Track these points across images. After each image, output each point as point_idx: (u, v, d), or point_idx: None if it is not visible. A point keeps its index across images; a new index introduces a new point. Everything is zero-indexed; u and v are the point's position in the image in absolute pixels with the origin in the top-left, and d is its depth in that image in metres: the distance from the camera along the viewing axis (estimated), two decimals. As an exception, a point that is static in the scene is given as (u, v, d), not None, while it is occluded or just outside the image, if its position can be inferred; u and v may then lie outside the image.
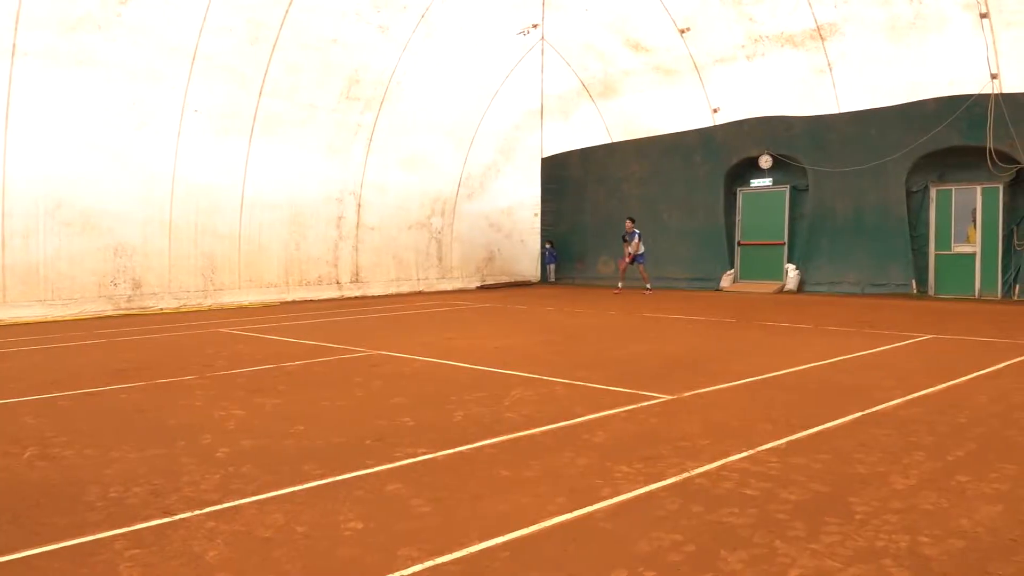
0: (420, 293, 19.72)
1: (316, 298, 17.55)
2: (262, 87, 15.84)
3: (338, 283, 18.35)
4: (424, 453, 4.49)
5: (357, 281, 18.73)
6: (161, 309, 14.90)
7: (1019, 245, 15.18)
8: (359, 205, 18.64)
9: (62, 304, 13.78)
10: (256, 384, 6.86)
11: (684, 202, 20.10)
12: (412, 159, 19.57)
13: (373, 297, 18.47)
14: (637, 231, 18.27)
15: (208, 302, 15.71)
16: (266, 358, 8.46)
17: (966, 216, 16.04)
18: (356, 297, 18.29)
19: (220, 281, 16.04)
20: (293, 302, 16.88)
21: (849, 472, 4.05)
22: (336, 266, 18.32)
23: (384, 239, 19.34)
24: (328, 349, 9.15)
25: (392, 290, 19.42)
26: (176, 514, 3.57)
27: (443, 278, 20.89)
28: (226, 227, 16.08)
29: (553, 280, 22.80)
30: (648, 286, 18.26)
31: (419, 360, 8.20)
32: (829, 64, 17.03)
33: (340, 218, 18.30)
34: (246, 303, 16.17)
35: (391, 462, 4.33)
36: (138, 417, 5.64)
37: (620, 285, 18.56)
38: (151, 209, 14.89)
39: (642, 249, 18.26)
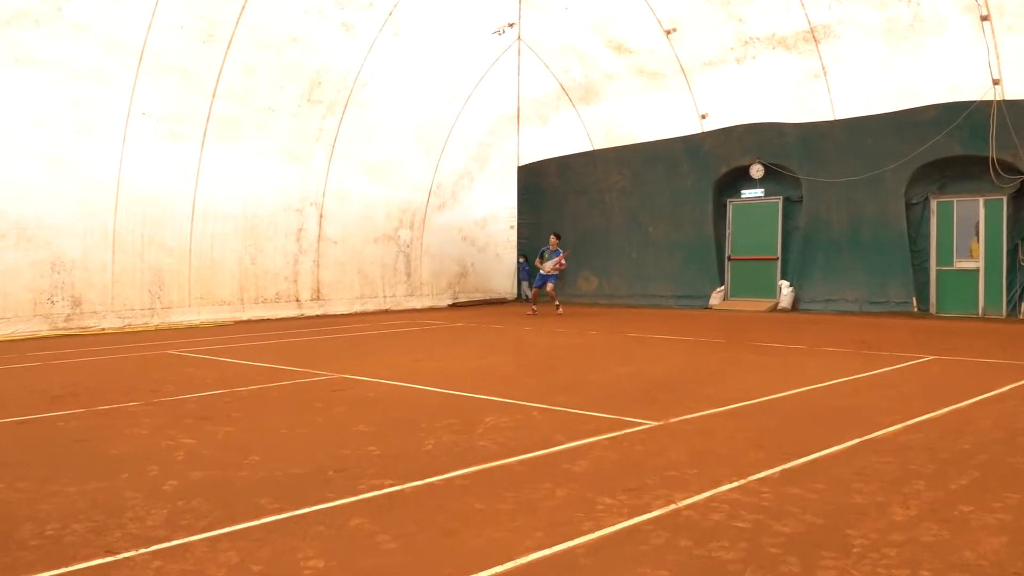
0: (387, 311, 19.65)
1: (273, 317, 17.44)
2: (215, 89, 15.79)
3: (298, 300, 18.26)
4: (391, 485, 4.48)
5: (318, 298, 18.65)
6: (103, 329, 14.72)
7: (1024, 260, 15.47)
8: (321, 216, 18.59)
9: (-7, 324, 13.59)
10: (207, 410, 6.80)
11: (670, 214, 20.26)
12: (378, 167, 19.58)
13: (336, 316, 18.39)
14: (561, 250, 17.73)
15: (155, 321, 15.55)
16: (218, 382, 8.39)
17: (968, 230, 16.31)
18: (317, 316, 18.20)
19: (168, 298, 15.89)
20: (248, 321, 16.76)
21: (846, 502, 4.09)
22: (295, 282, 18.23)
23: (348, 253, 19.29)
24: (286, 372, 9.09)
25: (356, 308, 19.36)
26: (119, 553, 3.52)
27: (412, 295, 20.84)
28: (175, 240, 15.96)
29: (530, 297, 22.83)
30: (536, 308, 17.99)
31: (385, 384, 8.17)
32: (823, 68, 17.30)
33: (300, 230, 18.23)
34: (196, 322, 16.03)
35: (355, 495, 4.31)
36: (77, 447, 5.57)
37: (535, 308, 18.11)
38: (93, 220, 14.74)
39: (557, 271, 17.71)
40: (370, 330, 14.84)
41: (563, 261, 17.62)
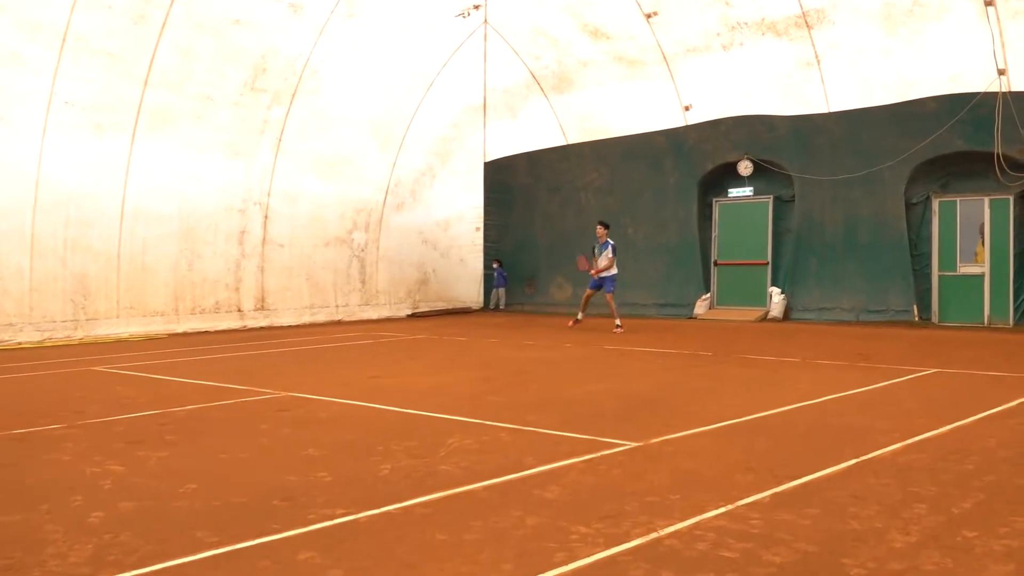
0: (339, 323, 19.56)
1: (213, 329, 17.29)
2: (148, 75, 15.65)
3: (240, 311, 18.12)
4: (343, 514, 4.46)
5: (263, 308, 18.52)
6: (20, 343, 14.50)
7: (1032, 265, 15.74)
8: (266, 217, 18.47)
9: None
10: (138, 434, 6.73)
11: (651, 215, 20.38)
12: (330, 162, 19.51)
13: (282, 327, 18.27)
14: (611, 241, 16.30)
15: (79, 335, 15.34)
16: (151, 402, 8.30)
17: (973, 232, 16.57)
18: (262, 327, 18.08)
19: (94, 309, 15.69)
20: (184, 334, 16.59)
21: (842, 529, 4.14)
22: (237, 290, 18.09)
23: (296, 258, 19.18)
24: (227, 391, 9.03)
25: (305, 319, 19.25)
26: (38, 593, 3.48)
27: (367, 304, 20.77)
28: (102, 243, 15.77)
29: (502, 307, 22.83)
30: (618, 322, 15.78)
31: (338, 403, 8.15)
32: (817, 56, 17.52)
33: (243, 232, 18.11)
34: (126, 336, 15.84)
35: (303, 526, 4.29)
36: (-10, 475, 5.49)
37: (580, 316, 16.62)
38: (8, 220, 14.49)
39: (614, 270, 16.16)
40: (321, 343, 14.76)
41: (610, 254, 16.02)
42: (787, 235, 18.80)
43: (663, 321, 18.78)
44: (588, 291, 16.56)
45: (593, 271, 16.32)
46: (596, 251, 16.35)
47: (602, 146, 21.29)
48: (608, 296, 16.14)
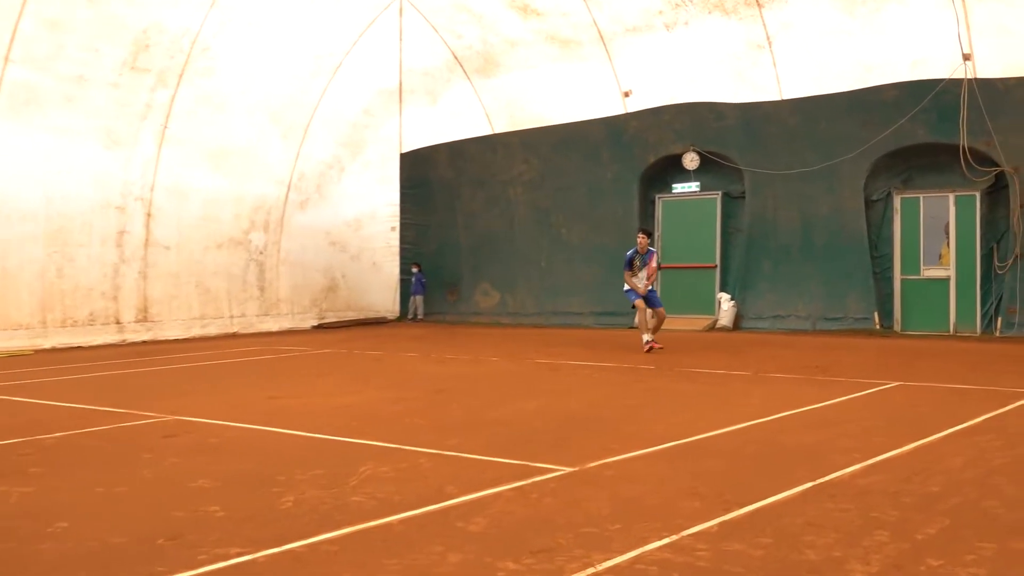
0: (234, 335, 19.34)
1: (87, 344, 16.99)
2: (8, 50, 15.32)
3: (118, 323, 17.81)
4: (240, 554, 4.41)
5: (146, 320, 18.24)
6: None
7: (1000, 268, 16.21)
8: (149, 215, 18.19)
9: None
10: (-2, 466, 6.57)
11: (587, 213, 20.52)
12: (224, 153, 19.29)
13: (169, 341, 18.02)
14: (653, 248, 15.27)
15: (-73, 351, 14.98)
16: (11, 429, 8.12)
17: (938, 231, 17.00)
18: (144, 342, 17.82)
19: (-55, 321, 15.35)
20: (53, 350, 16.29)
21: (797, 559, 4.22)
22: (116, 299, 17.79)
23: (184, 262, 18.93)
24: (103, 414, 8.86)
25: (195, 332, 19.00)
26: None
27: (266, 315, 20.58)
28: (-45, 245, 15.42)
29: (420, 317, 22.76)
30: (650, 337, 14.77)
31: (232, 427, 8.06)
32: (768, 38, 17.82)
33: (122, 233, 17.81)
34: (-16, 352, 15.49)
35: (192, 568, 4.22)
36: None
37: (647, 338, 14.70)
38: None
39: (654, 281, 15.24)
40: (213, 359, 14.60)
41: (654, 264, 14.98)
42: (737, 235, 19.09)
43: (601, 332, 18.92)
44: (640, 304, 14.90)
45: (642, 287, 14.82)
46: (637, 262, 14.95)
47: (532, 136, 21.38)
48: (662, 311, 15.15)
